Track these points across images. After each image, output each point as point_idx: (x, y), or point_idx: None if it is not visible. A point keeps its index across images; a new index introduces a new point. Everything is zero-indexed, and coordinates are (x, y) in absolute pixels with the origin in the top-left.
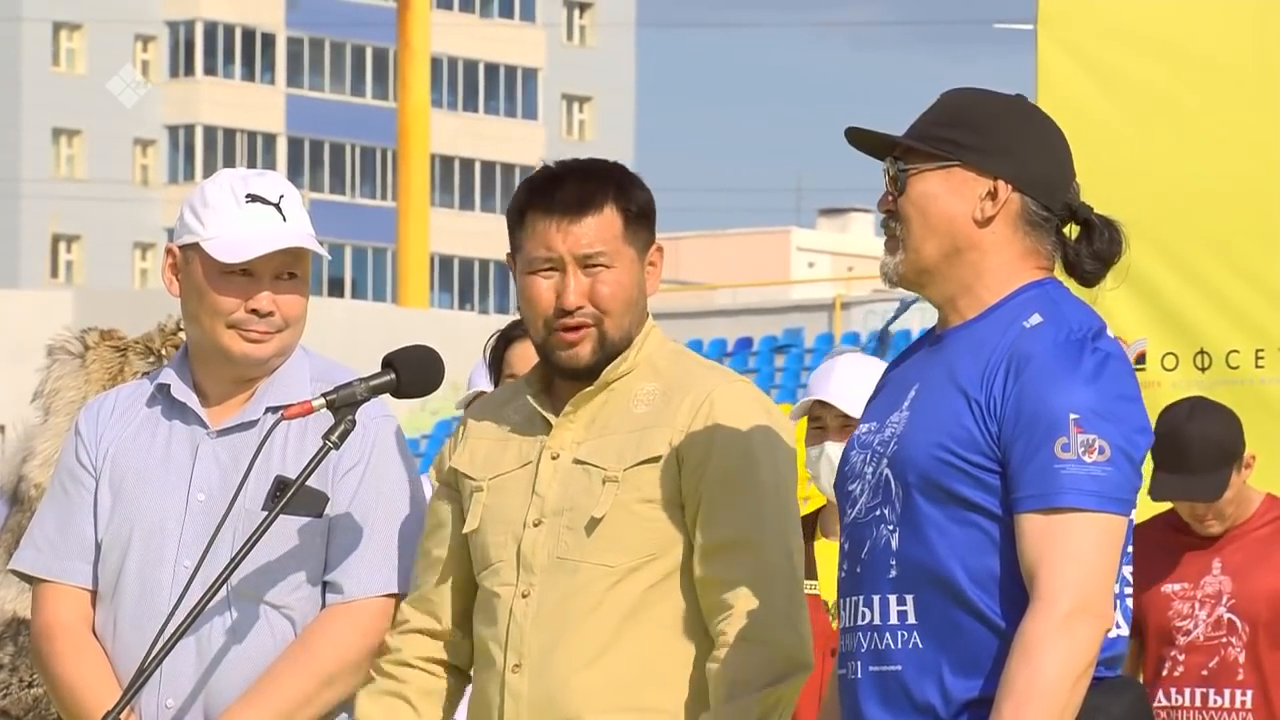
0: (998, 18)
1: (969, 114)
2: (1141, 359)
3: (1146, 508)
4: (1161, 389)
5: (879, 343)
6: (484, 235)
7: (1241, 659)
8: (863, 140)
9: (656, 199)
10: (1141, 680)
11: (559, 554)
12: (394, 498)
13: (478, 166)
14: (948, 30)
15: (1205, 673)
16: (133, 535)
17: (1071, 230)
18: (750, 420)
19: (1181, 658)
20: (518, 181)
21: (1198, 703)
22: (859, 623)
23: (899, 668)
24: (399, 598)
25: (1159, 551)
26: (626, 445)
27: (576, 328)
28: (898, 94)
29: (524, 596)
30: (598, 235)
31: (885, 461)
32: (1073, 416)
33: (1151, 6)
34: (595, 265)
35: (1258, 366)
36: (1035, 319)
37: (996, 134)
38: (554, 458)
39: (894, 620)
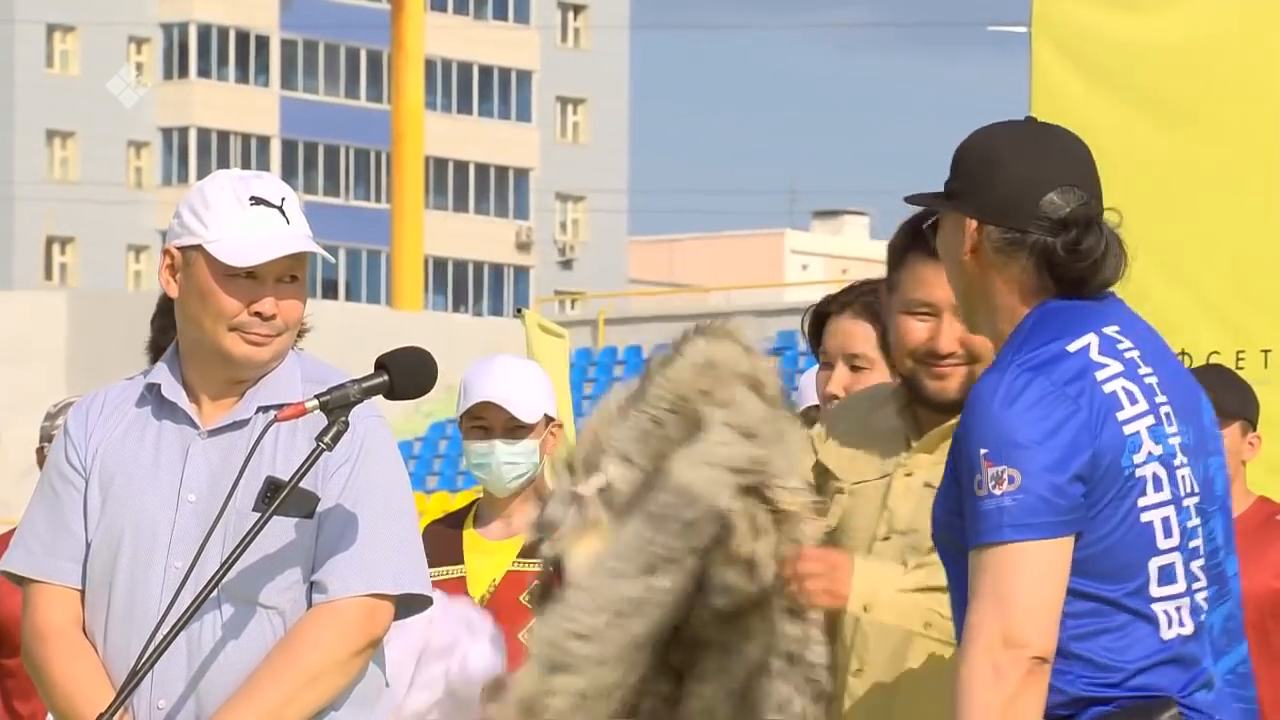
0: (992, 20)
1: (954, 159)
2: None
3: None
4: None
5: None
6: (478, 237)
7: None
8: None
9: (650, 201)
10: None
11: None
12: (381, 498)
13: (472, 169)
14: (943, 33)
15: None
16: (123, 535)
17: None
18: None
19: None
20: (511, 183)
21: None
22: None
23: None
24: (384, 597)
25: None
26: None
27: (948, 366)
28: (893, 96)
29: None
30: None
31: None
32: (982, 452)
33: (1144, 7)
34: None
35: (1238, 368)
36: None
37: (962, 173)
38: (908, 475)
39: None
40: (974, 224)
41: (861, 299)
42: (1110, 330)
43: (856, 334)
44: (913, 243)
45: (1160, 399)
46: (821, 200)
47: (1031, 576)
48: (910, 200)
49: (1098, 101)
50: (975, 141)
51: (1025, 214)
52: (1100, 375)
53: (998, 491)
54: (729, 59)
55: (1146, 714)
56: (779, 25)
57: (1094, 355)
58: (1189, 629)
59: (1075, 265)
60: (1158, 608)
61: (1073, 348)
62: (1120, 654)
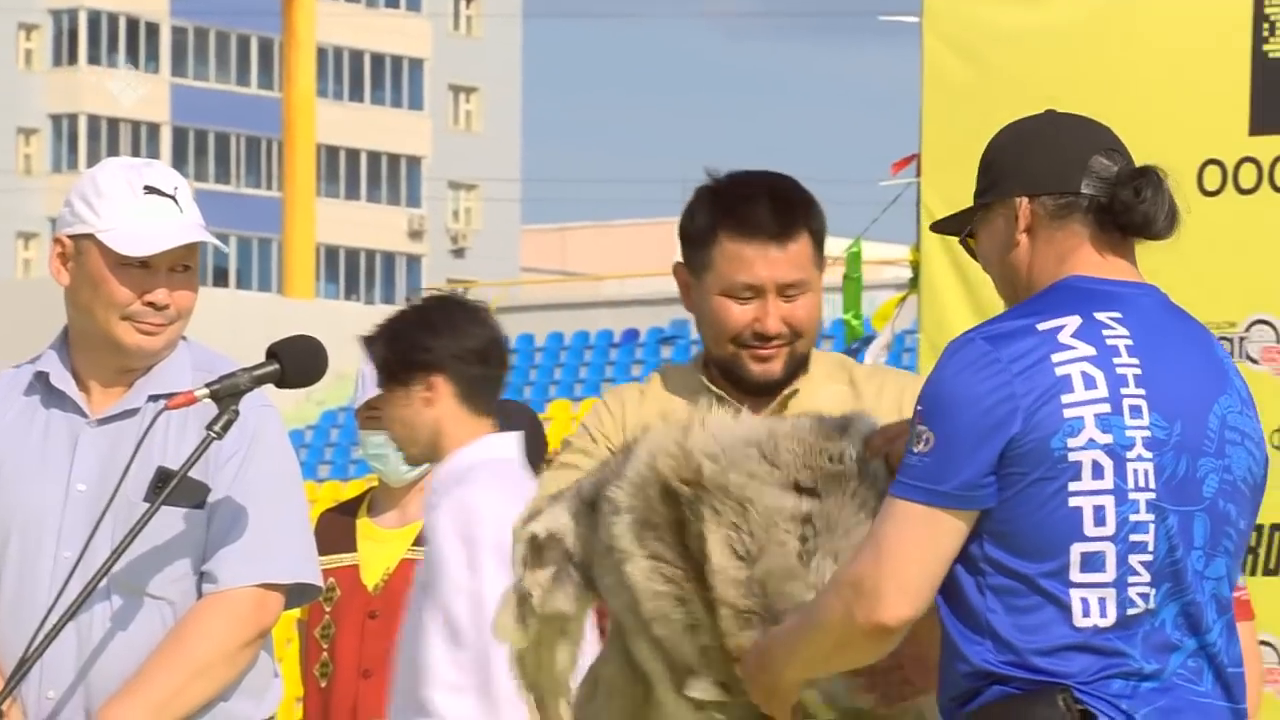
0: (883, 10)
1: (984, 161)
2: None
3: None
4: None
5: None
6: (369, 225)
7: None
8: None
9: (542, 190)
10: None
11: None
12: (271, 488)
13: (363, 156)
14: (834, 22)
15: None
16: (11, 524)
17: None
18: None
19: None
20: (403, 171)
21: None
22: None
23: None
24: (275, 587)
25: None
26: None
27: (773, 348)
28: (784, 85)
29: None
30: (798, 264)
31: None
32: (918, 408)
33: (1034, 2)
34: (794, 292)
35: None
36: None
37: (997, 165)
38: None
39: None
40: (1025, 201)
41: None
42: (1105, 315)
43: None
44: (720, 220)
45: (1131, 390)
46: None
47: (912, 538)
48: (937, 227)
49: (988, 92)
50: (1003, 135)
51: (1076, 177)
52: (1058, 357)
53: (916, 449)
54: (621, 48)
55: (1032, 702)
56: (670, 14)
57: (1063, 337)
58: (1110, 620)
59: (1138, 209)
60: (1075, 594)
61: (1043, 326)
62: (1027, 634)
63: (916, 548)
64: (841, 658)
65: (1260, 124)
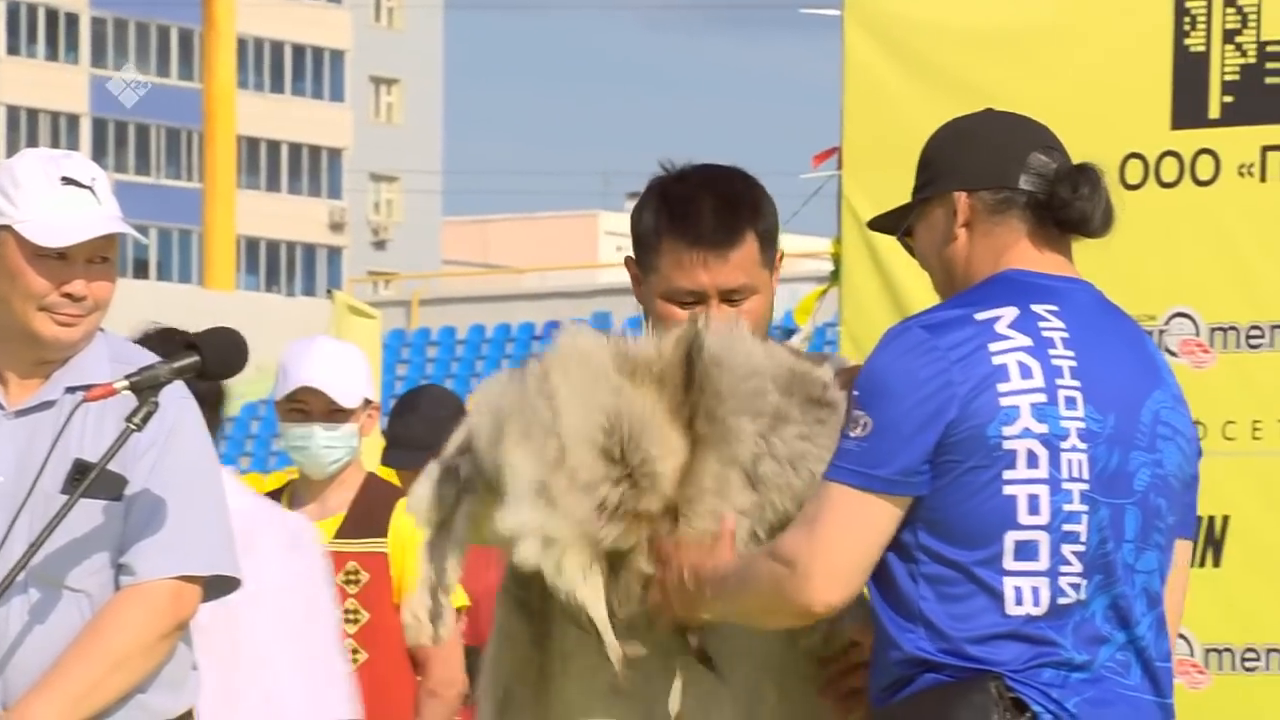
0: (804, 3)
1: (922, 159)
2: None
3: None
4: None
5: None
6: (290, 217)
7: None
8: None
9: (464, 182)
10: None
11: None
12: (189, 480)
13: (284, 148)
14: (753, 14)
15: None
16: None
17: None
18: None
19: None
20: (325, 163)
21: None
22: None
23: None
24: (192, 579)
25: None
26: None
27: None
28: (705, 77)
29: None
30: (741, 269)
31: None
32: (854, 393)
33: None
34: (738, 297)
35: None
36: None
37: (935, 162)
38: None
39: None
40: (964, 196)
41: None
42: (1042, 308)
43: None
44: (667, 224)
45: (1067, 382)
46: (635, 181)
47: (845, 522)
48: (875, 225)
49: (910, 86)
50: (941, 133)
51: (1014, 173)
52: (995, 347)
53: (852, 434)
54: (542, 39)
55: (964, 690)
56: (591, 5)
57: (1000, 327)
58: (1042, 609)
59: (1075, 205)
60: (1009, 581)
61: (981, 316)
62: (960, 622)
63: (848, 532)
64: (766, 621)
65: (1182, 118)
